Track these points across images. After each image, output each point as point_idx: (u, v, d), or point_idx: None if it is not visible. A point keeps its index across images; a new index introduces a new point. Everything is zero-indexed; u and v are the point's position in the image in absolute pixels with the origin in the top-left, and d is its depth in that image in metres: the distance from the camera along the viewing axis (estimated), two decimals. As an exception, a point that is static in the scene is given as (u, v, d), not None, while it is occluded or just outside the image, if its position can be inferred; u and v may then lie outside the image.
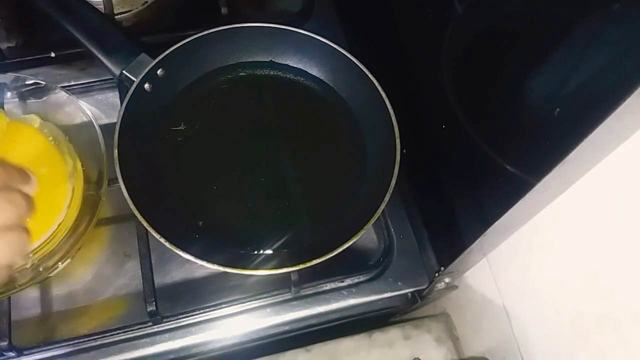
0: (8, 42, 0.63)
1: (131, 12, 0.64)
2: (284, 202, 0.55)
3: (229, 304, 0.52)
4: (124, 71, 0.54)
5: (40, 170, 0.53)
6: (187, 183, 0.55)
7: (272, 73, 0.61)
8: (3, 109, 0.54)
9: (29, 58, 0.60)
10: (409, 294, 0.57)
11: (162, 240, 0.47)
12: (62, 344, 0.49)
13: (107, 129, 0.53)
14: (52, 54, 0.60)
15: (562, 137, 0.30)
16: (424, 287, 0.55)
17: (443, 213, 0.53)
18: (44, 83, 0.54)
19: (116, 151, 0.50)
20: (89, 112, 0.53)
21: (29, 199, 0.40)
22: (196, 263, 0.46)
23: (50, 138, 0.54)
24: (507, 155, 0.39)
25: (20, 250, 0.38)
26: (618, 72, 0.28)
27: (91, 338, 0.50)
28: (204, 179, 0.55)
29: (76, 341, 0.50)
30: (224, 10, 0.62)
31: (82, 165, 0.54)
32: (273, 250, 0.52)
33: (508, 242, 0.44)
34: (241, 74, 0.61)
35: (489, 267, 0.49)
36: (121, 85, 0.56)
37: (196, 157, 0.56)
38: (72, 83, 0.61)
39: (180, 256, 0.46)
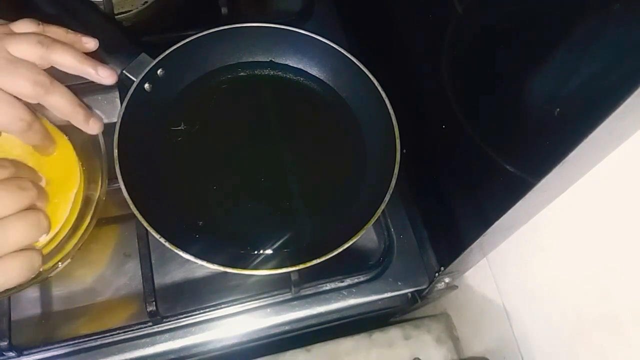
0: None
1: (131, 12, 0.64)
2: (284, 202, 0.55)
3: (229, 304, 0.52)
4: (124, 71, 0.54)
5: (40, 170, 0.53)
6: (187, 183, 0.55)
7: (272, 73, 0.61)
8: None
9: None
10: (409, 294, 0.57)
11: (162, 240, 0.47)
12: (62, 344, 0.49)
13: (107, 129, 0.52)
14: (52, 54, 0.60)
15: (562, 137, 0.30)
16: (424, 287, 0.55)
17: (443, 213, 0.53)
18: (44, 83, 0.54)
19: (116, 151, 0.50)
20: (89, 112, 0.53)
21: (39, 187, 0.43)
22: (196, 263, 0.46)
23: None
24: (507, 155, 0.39)
25: (39, 230, 0.41)
26: (618, 72, 0.28)
27: (91, 338, 0.50)
28: (204, 179, 0.55)
29: (76, 341, 0.50)
30: (224, 10, 0.62)
31: (82, 165, 0.53)
32: (273, 250, 0.52)
33: (508, 242, 0.44)
34: (241, 74, 0.61)
35: (489, 267, 0.49)
36: (121, 85, 0.55)
37: (196, 157, 0.56)
38: (72, 83, 0.60)
39: (180, 256, 0.46)
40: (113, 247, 0.56)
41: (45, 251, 0.49)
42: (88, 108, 0.49)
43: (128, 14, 0.64)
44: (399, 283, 0.55)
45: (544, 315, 0.43)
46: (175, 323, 0.52)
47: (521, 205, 0.36)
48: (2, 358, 0.48)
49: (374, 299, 0.55)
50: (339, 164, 0.57)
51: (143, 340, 0.51)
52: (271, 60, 0.61)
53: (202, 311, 0.52)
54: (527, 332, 0.46)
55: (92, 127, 0.49)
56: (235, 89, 0.60)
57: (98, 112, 0.53)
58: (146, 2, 0.65)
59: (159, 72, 0.55)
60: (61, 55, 0.45)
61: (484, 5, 0.41)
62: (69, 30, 0.48)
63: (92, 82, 0.61)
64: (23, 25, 0.46)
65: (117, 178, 0.49)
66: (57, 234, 0.50)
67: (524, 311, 0.46)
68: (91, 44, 0.49)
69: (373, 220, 0.49)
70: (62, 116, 0.47)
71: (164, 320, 0.51)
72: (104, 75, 0.48)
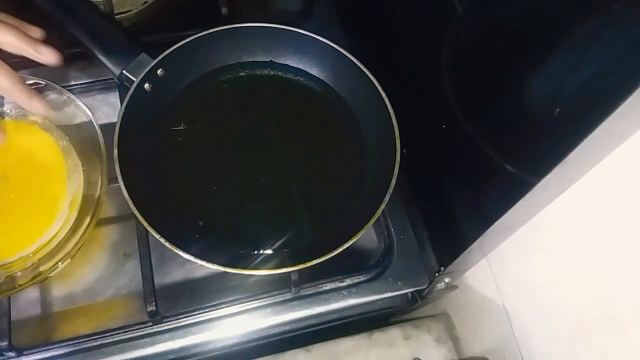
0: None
1: (131, 12, 0.64)
2: (284, 202, 0.55)
3: (229, 304, 0.52)
4: (124, 71, 0.54)
5: (40, 170, 0.53)
6: (187, 183, 0.55)
7: (272, 73, 0.61)
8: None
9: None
10: (409, 294, 0.57)
11: (162, 240, 0.47)
12: (62, 344, 0.49)
13: (107, 129, 0.52)
14: (52, 54, 0.60)
15: (562, 137, 0.30)
16: (424, 287, 0.55)
17: (443, 213, 0.53)
18: (44, 83, 0.54)
19: (116, 151, 0.50)
20: (89, 112, 0.53)
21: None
22: (196, 263, 0.46)
23: (51, 138, 0.54)
24: (507, 155, 0.39)
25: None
26: (618, 72, 0.28)
27: (91, 338, 0.50)
28: (203, 179, 0.55)
29: (76, 341, 0.50)
30: (224, 10, 0.62)
31: (82, 165, 0.54)
32: (273, 250, 0.52)
33: (508, 242, 0.44)
34: (241, 74, 0.61)
35: (489, 267, 0.49)
36: (121, 85, 0.55)
37: (196, 157, 0.56)
38: (72, 83, 0.61)
39: (180, 256, 0.46)
40: (113, 247, 0.56)
41: (45, 251, 0.50)
42: (32, 90, 0.49)
43: (128, 14, 0.64)
44: (399, 283, 0.55)
45: (544, 315, 0.43)
46: (175, 323, 0.52)
47: (521, 205, 0.36)
48: (2, 358, 0.48)
49: (374, 299, 0.55)
50: (339, 164, 0.57)
51: (143, 340, 0.51)
52: (271, 60, 0.61)
53: (202, 311, 0.52)
54: (527, 332, 0.46)
55: (36, 107, 0.49)
56: (235, 89, 0.60)
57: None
58: (146, 2, 0.65)
59: (159, 72, 0.55)
60: (2, 34, 0.46)
61: (484, 5, 0.41)
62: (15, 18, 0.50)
63: (92, 83, 0.61)
64: None
65: (117, 178, 0.49)
66: (57, 233, 0.50)
67: (524, 311, 0.46)
68: (37, 33, 0.50)
69: (373, 220, 0.49)
70: (5, 94, 0.48)
71: (164, 320, 0.51)
72: (46, 54, 0.49)
